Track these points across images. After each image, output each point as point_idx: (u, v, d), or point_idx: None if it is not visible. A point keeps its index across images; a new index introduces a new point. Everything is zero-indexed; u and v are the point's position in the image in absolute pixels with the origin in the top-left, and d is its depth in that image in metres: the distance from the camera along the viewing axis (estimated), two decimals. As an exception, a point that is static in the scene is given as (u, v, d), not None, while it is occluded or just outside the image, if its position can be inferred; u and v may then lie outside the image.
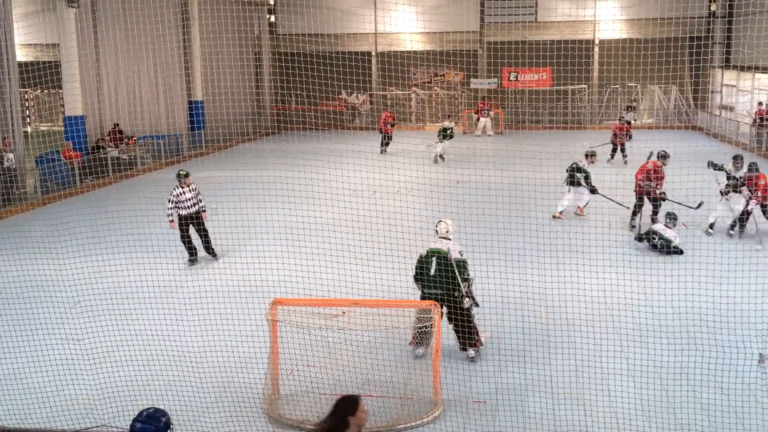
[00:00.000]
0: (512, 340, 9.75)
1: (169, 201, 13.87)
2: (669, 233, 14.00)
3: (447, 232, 9.72)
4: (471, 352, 9.34)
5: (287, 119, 37.44)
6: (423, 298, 9.25)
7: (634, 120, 33.10)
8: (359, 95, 39.98)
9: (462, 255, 9.46)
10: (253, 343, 9.48)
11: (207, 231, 14.13)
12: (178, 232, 13.98)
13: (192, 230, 14.01)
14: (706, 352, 8.97)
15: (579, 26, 38.19)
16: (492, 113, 36.19)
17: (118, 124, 26.40)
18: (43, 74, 20.30)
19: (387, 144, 28.91)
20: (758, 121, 28.42)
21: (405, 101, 40.27)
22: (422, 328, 8.99)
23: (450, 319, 9.16)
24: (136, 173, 25.35)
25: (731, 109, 36.32)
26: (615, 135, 25.89)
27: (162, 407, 5.53)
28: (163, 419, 5.28)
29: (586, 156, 17.72)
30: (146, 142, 27.34)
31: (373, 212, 12.20)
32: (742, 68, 34.58)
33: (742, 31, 34.24)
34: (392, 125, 29.57)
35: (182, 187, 13.94)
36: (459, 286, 9.06)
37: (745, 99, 34.81)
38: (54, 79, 23.73)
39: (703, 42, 36.87)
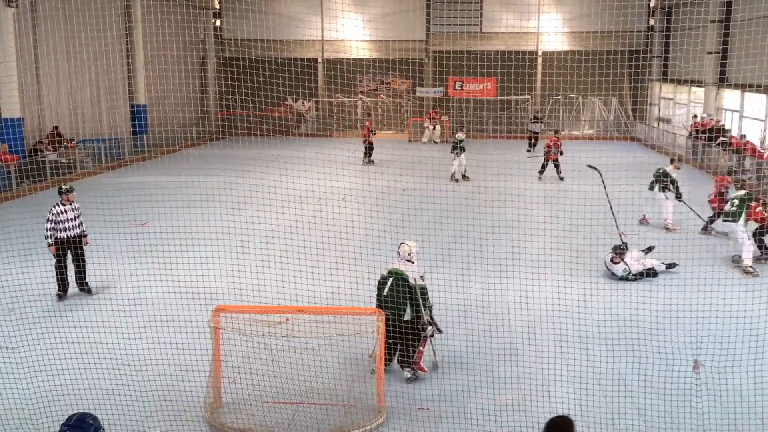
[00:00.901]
0: (455, 348, 9.83)
1: (47, 220, 12.21)
2: (616, 268, 13.31)
3: (409, 254, 9.33)
4: (407, 373, 9.10)
5: (232, 125, 37.13)
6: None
7: (541, 130, 33.84)
8: (305, 102, 39.88)
9: (423, 280, 9.26)
10: (195, 351, 9.35)
11: (84, 260, 12.45)
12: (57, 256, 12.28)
13: (69, 257, 12.37)
14: (644, 359, 9.19)
15: (523, 38, 38.81)
16: (442, 120, 36.60)
17: (57, 127, 25.79)
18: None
19: (370, 154, 28.66)
20: (694, 133, 29.28)
21: (351, 108, 40.32)
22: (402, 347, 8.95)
23: (389, 337, 8.83)
24: (75, 177, 24.79)
25: (668, 121, 37.33)
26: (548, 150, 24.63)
27: (100, 416, 5.40)
28: (94, 424, 5.12)
29: (672, 161, 17.60)
30: (87, 145, 26.77)
31: (317, 219, 12.19)
32: (679, 82, 35.61)
33: (679, 46, 35.28)
34: (373, 133, 29.38)
35: (63, 204, 12.27)
36: (415, 309, 8.92)
37: (682, 111, 35.82)
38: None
39: (641, 55, 37.91)
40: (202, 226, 13.59)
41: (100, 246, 14.56)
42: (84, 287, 12.36)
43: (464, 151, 25.03)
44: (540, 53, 39.03)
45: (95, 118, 29.15)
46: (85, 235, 12.53)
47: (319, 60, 39.93)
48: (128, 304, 11.14)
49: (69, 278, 12.26)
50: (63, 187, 12.54)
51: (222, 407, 8.22)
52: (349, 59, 39.49)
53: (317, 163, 16.53)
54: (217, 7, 39.76)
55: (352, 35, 38.87)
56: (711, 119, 28.96)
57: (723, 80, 30.16)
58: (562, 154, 24.23)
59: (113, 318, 10.67)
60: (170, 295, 11.32)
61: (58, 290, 12.10)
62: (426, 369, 9.22)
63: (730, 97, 30.58)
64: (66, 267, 12.20)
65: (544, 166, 24.56)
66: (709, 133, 27.49)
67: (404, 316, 8.94)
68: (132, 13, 31.07)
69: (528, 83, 38.36)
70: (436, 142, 35.76)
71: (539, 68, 39.03)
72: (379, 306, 9.08)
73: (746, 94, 28.67)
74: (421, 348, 9.09)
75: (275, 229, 12.66)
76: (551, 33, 38.43)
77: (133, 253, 13.90)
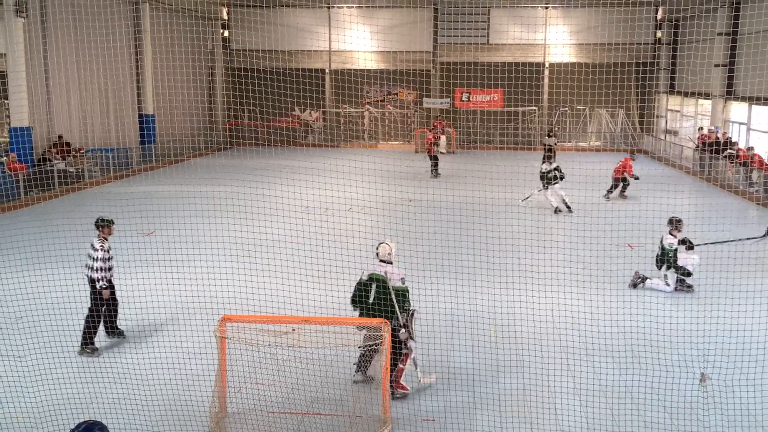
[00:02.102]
0: (461, 359, 9.81)
1: (100, 260, 10.14)
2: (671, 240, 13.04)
3: (388, 254, 9.06)
4: (358, 376, 8.95)
5: (240, 135, 37.26)
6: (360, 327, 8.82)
7: (555, 144, 33.66)
8: (312, 112, 39.99)
9: (404, 282, 8.94)
10: (201, 360, 9.37)
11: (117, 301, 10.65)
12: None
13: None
14: (650, 371, 9.16)
15: (530, 49, 38.88)
16: (449, 131, 36.60)
17: (61, 136, 25.86)
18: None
19: (436, 165, 28.29)
20: (700, 146, 29.25)
21: (358, 119, 40.41)
22: (363, 355, 8.86)
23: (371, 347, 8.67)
24: (83, 186, 24.90)
25: (675, 133, 37.30)
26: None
27: (106, 424, 5.41)
28: None
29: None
30: (95, 155, 26.89)
31: (324, 229, 12.20)
32: (686, 94, 35.60)
33: (686, 58, 35.29)
34: (436, 145, 29.13)
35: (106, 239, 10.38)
36: (397, 315, 8.67)
37: (689, 124, 35.81)
38: (0, 89, 23.27)
39: (649, 68, 37.93)
40: (208, 236, 13.61)
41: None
42: (117, 331, 10.58)
43: (562, 178, 20.68)
44: (547, 65, 39.08)
45: (104, 127, 29.29)
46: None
47: (327, 71, 40.06)
48: (135, 313, 11.16)
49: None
50: (105, 219, 10.51)
51: (227, 417, 8.22)
52: (356, 70, 39.62)
53: (324, 174, 16.57)
54: (226, 17, 39.96)
55: (360, 46, 39.01)
56: (714, 132, 28.92)
57: (730, 93, 30.16)
58: (637, 179, 22.35)
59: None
60: (177, 305, 11.36)
61: (93, 346, 10.05)
62: (408, 387, 8.84)
63: (738, 109, 30.55)
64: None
65: (614, 186, 22.61)
66: (716, 146, 27.45)
67: (394, 325, 8.73)
68: (141, 24, 31.26)
69: (535, 95, 38.41)
70: (442, 153, 35.75)
71: (546, 80, 39.08)
72: (360, 312, 8.90)
73: (753, 106, 28.63)
74: (401, 365, 8.74)
75: (282, 238, 12.68)
76: (558, 45, 38.50)
77: (139, 263, 13.94)
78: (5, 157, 22.96)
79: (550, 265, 14.40)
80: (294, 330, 9.37)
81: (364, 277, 8.99)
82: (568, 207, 20.05)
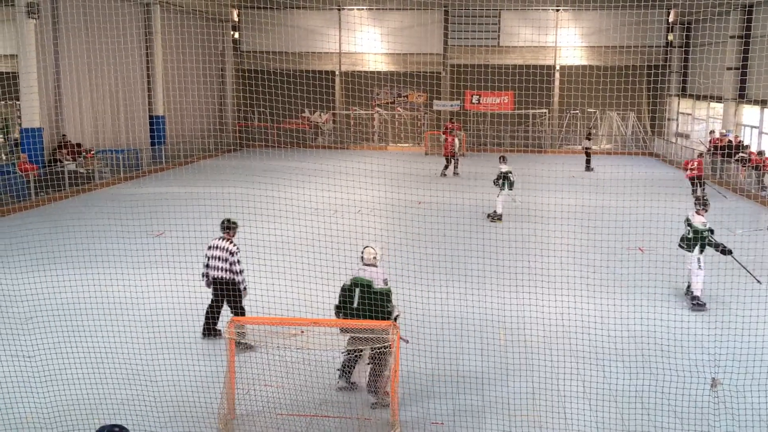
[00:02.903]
0: (470, 362, 9.78)
1: (238, 262, 10.57)
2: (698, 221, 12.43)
3: (374, 258, 8.94)
4: (372, 398, 8.66)
5: (250, 136, 37.34)
6: (343, 331, 8.64)
7: (592, 146, 33.56)
8: (322, 114, 40.02)
9: (386, 284, 8.85)
10: (210, 362, 9.37)
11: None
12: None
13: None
14: (660, 376, 9.10)
15: (540, 52, 38.81)
16: (461, 134, 36.51)
17: (65, 135, 25.77)
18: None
19: (456, 165, 29.04)
20: (712, 149, 29.11)
21: (368, 121, 40.43)
22: (347, 361, 8.80)
23: (350, 344, 8.63)
24: (93, 187, 24.99)
25: (687, 136, 37.14)
26: None
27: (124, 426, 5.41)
28: None
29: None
30: (105, 156, 26.99)
31: (333, 231, 12.19)
32: (698, 97, 35.45)
33: (698, 61, 35.14)
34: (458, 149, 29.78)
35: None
36: (383, 319, 8.52)
37: (700, 127, 35.65)
38: (11, 90, 23.37)
39: (660, 71, 37.79)
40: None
41: (117, 256, 14.65)
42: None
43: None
44: (558, 67, 38.99)
45: (114, 128, 29.39)
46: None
47: (337, 73, 40.10)
48: (144, 314, 11.17)
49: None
50: (233, 222, 10.84)
51: (236, 419, 8.21)
52: (366, 72, 39.64)
53: (333, 176, 16.57)
54: (236, 19, 40.05)
55: (370, 48, 39.03)
56: (726, 136, 28.78)
57: (742, 96, 30.00)
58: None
59: (129, 328, 10.70)
60: (186, 306, 11.36)
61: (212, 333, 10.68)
62: (389, 394, 8.34)
63: (750, 113, 30.39)
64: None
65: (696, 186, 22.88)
66: (728, 149, 27.32)
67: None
68: (152, 25, 31.36)
69: (545, 97, 38.30)
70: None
71: (557, 82, 38.99)
72: (344, 316, 8.78)
73: (766, 110, 28.48)
74: (387, 372, 8.42)
75: (291, 240, 12.68)
76: (569, 47, 38.39)
77: (149, 263, 13.97)
78: (11, 155, 23.05)
79: (560, 268, 14.35)
80: (303, 332, 9.36)
81: (347, 282, 8.93)
82: (499, 216, 19.02)
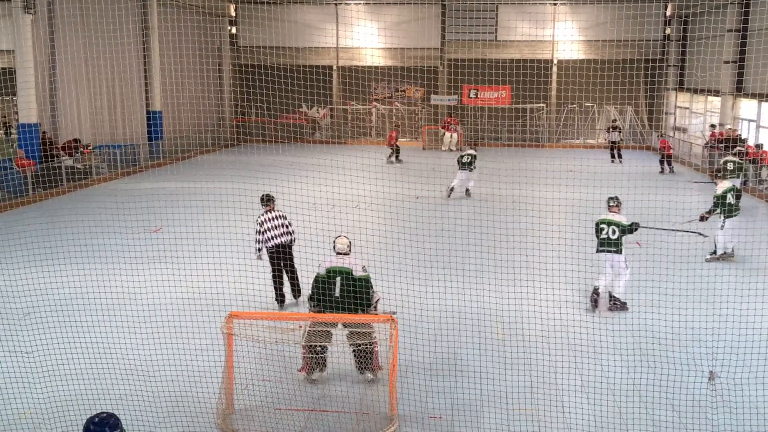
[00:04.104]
0: (468, 356, 9.79)
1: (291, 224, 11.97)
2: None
3: (348, 246, 9.24)
4: (369, 375, 8.96)
5: (247, 131, 37.29)
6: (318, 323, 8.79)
7: (621, 140, 33.64)
8: (320, 109, 39.98)
9: (365, 271, 9.05)
10: (208, 357, 9.38)
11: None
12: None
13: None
14: (658, 369, 9.12)
15: (538, 46, 38.77)
16: (459, 129, 36.53)
17: (45, 132, 25.58)
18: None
19: (398, 154, 30.94)
20: (711, 143, 29.12)
21: (366, 116, 40.38)
22: (313, 355, 8.85)
23: (350, 338, 8.82)
24: (91, 183, 24.96)
25: (684, 130, 37.15)
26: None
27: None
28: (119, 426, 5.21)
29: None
30: (102, 151, 26.95)
31: (331, 226, 12.18)
32: (695, 91, 35.45)
33: (695, 55, 35.15)
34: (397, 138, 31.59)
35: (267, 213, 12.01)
36: (366, 305, 8.77)
37: (698, 121, 35.65)
38: (8, 85, 23.32)
39: (657, 64, 37.77)
40: (216, 233, 13.63)
41: (115, 252, 14.64)
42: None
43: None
44: (555, 61, 38.96)
45: (111, 123, 29.33)
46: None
47: (334, 67, 40.05)
48: (142, 309, 11.17)
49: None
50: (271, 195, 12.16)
51: (234, 414, 8.22)
52: (363, 67, 39.59)
53: (331, 170, 16.56)
54: (233, 14, 39.97)
55: (367, 43, 38.96)
56: (730, 129, 28.78)
57: (740, 89, 30.00)
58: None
59: (127, 323, 10.71)
60: (184, 301, 11.37)
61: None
62: (382, 367, 8.92)
63: (747, 106, 30.40)
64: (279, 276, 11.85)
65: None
66: (726, 143, 27.32)
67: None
68: (149, 20, 31.28)
69: (543, 91, 38.27)
70: (452, 150, 35.70)
71: (554, 77, 38.96)
72: (323, 306, 8.94)
73: (763, 103, 28.49)
74: (375, 348, 8.87)
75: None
76: (566, 41, 38.37)
77: (147, 259, 13.97)
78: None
79: (558, 262, 14.35)
80: (301, 327, 9.38)
81: (322, 272, 9.03)
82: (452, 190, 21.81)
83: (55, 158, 24.06)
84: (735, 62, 29.74)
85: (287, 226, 11.84)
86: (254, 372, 8.91)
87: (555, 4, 38.23)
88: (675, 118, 38.69)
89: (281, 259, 11.71)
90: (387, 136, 32.63)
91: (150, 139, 31.57)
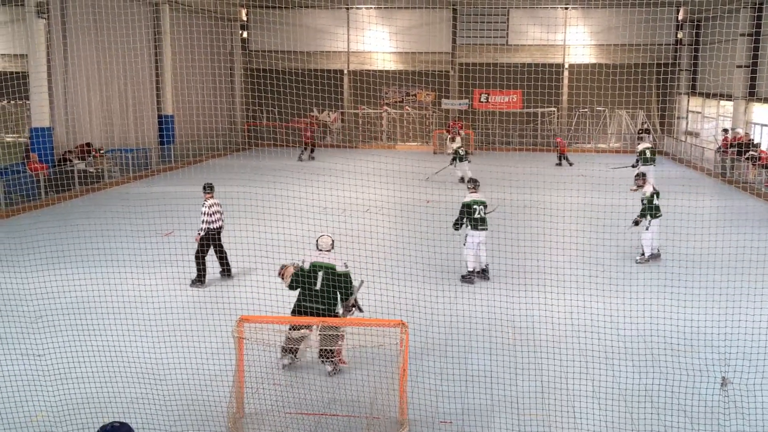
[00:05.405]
0: (479, 361, 9.77)
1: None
2: None
3: (330, 245, 9.70)
4: (328, 367, 9.35)
5: (258, 135, 37.38)
6: (300, 311, 9.32)
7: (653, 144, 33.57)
8: (331, 113, 40.03)
9: (346, 267, 9.49)
10: (219, 360, 9.40)
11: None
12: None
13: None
14: (670, 375, 9.06)
15: (549, 50, 38.70)
16: (462, 133, 36.47)
17: (28, 140, 25.61)
18: (9, 85, 20.07)
19: (312, 151, 32.74)
20: (722, 148, 28.98)
21: (376, 120, 40.41)
22: (290, 345, 9.26)
23: (322, 331, 9.15)
24: (103, 187, 25.06)
25: (696, 135, 36.97)
26: None
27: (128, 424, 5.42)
28: None
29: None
30: (114, 155, 27.06)
31: (342, 230, 12.20)
32: (708, 95, 35.28)
33: (707, 59, 34.98)
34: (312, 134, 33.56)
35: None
36: (344, 299, 9.27)
37: (710, 125, 35.47)
38: (21, 90, 23.44)
39: (669, 69, 37.63)
40: (226, 237, 13.66)
41: (126, 255, 14.70)
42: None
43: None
44: (566, 66, 38.87)
45: (123, 128, 29.44)
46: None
47: (345, 71, 40.10)
48: (153, 313, 11.20)
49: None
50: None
51: (245, 417, 8.23)
52: (374, 71, 39.62)
53: (342, 174, 16.57)
54: (245, 19, 40.09)
55: (378, 47, 39.01)
56: (743, 135, 28.62)
57: (753, 94, 29.84)
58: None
59: (138, 327, 10.74)
60: (195, 305, 11.40)
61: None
62: (346, 361, 9.42)
63: (760, 111, 30.23)
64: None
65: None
66: (738, 148, 27.19)
67: (336, 309, 9.31)
68: (161, 25, 31.42)
69: (554, 96, 38.21)
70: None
71: (566, 81, 38.87)
72: (303, 299, 9.33)
73: (776, 108, 28.34)
74: (340, 342, 9.29)
75: (299, 239, 12.68)
76: (578, 45, 38.27)
77: (158, 262, 14.00)
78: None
79: (568, 267, 14.31)
80: (311, 331, 9.39)
81: (306, 266, 9.43)
82: (463, 180, 23.62)
83: (68, 162, 24.17)
84: (747, 66, 29.57)
85: (222, 213, 13.33)
86: (265, 376, 8.92)
87: (566, 8, 38.15)
88: (687, 123, 38.51)
89: (214, 240, 13.17)
90: (302, 134, 34.05)
91: (162, 143, 31.69)
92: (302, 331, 9.31)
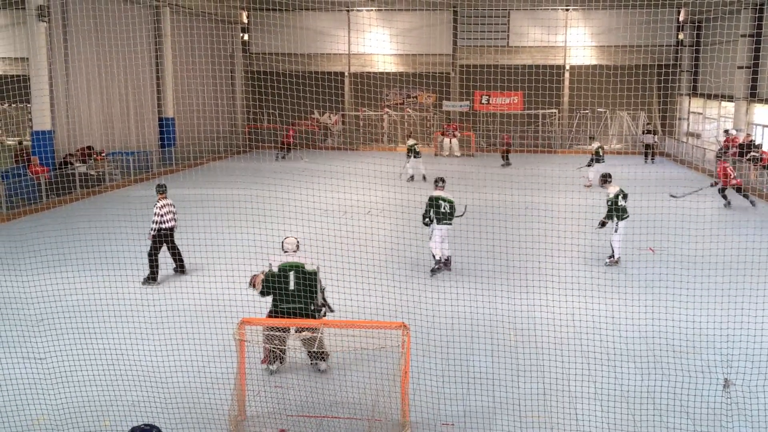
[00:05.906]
0: (481, 363, 9.75)
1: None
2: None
3: (296, 245, 9.74)
4: (323, 365, 9.39)
5: (259, 138, 37.39)
6: (276, 313, 9.24)
7: (654, 143, 33.89)
8: (332, 115, 40.05)
9: (314, 265, 9.49)
10: (220, 363, 9.38)
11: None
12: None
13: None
14: (672, 377, 9.04)
15: (550, 52, 38.71)
16: (458, 134, 36.53)
17: (21, 142, 25.75)
18: (11, 88, 20.08)
19: (287, 152, 33.59)
20: (725, 149, 28.93)
21: (377, 122, 40.41)
22: (274, 348, 9.15)
23: (300, 332, 9.11)
24: (104, 189, 25.06)
25: (698, 136, 36.95)
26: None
27: (125, 428, 5.42)
28: None
29: None
30: (115, 158, 27.07)
31: (343, 232, 12.19)
32: (709, 96, 35.26)
33: (708, 60, 34.97)
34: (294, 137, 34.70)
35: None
36: (315, 298, 9.27)
37: (711, 126, 35.45)
38: (23, 93, 23.47)
39: (671, 70, 37.62)
40: (228, 239, 13.65)
41: (128, 258, 14.69)
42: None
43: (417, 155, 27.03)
44: (567, 67, 38.87)
45: (124, 130, 29.47)
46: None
47: (346, 74, 40.12)
48: (154, 316, 11.19)
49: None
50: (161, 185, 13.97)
51: (246, 420, 8.22)
52: (375, 73, 39.65)
53: (343, 177, 16.58)
54: (245, 21, 40.13)
55: (379, 49, 39.02)
56: (746, 135, 28.61)
57: (754, 95, 29.83)
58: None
59: (140, 329, 10.73)
60: (196, 308, 11.39)
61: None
62: (329, 354, 9.49)
63: (761, 111, 30.22)
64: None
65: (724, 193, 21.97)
66: (740, 149, 27.15)
67: (311, 308, 9.27)
68: (161, 28, 31.45)
69: (555, 97, 38.20)
70: (457, 156, 35.78)
71: (567, 82, 38.87)
72: (278, 300, 9.23)
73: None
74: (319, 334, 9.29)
75: (300, 241, 12.69)
76: (579, 47, 38.26)
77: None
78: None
79: (570, 269, 14.30)
80: (313, 333, 9.37)
81: (274, 269, 9.38)
82: (424, 178, 25.67)
83: (69, 165, 24.18)
84: (749, 67, 29.56)
85: (175, 213, 13.70)
86: (266, 378, 8.90)
87: (567, 10, 38.16)
88: (688, 124, 38.49)
89: (167, 240, 13.55)
90: (284, 135, 34.41)
91: (162, 145, 31.70)
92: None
